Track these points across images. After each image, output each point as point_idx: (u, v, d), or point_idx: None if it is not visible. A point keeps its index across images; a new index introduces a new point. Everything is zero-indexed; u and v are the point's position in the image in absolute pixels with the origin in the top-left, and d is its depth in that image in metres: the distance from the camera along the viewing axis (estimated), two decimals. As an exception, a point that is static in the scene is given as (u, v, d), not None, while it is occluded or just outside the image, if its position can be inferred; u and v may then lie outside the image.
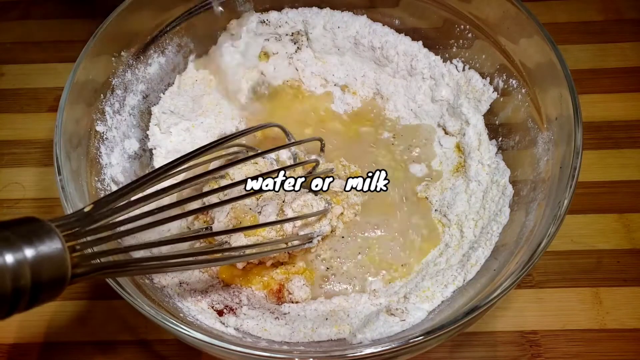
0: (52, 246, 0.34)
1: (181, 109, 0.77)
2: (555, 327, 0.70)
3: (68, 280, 0.36)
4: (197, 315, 0.60)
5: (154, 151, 0.76)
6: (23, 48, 0.98)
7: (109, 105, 0.70)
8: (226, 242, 0.63)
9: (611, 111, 0.86)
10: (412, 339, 0.50)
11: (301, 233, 0.66)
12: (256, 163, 0.71)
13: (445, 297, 0.62)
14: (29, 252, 0.33)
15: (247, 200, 0.67)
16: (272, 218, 0.66)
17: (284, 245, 0.65)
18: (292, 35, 0.83)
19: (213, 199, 0.66)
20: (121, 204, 0.43)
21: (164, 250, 0.63)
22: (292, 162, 0.72)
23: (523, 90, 0.68)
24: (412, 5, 0.78)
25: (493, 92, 0.73)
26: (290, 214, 0.66)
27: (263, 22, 0.81)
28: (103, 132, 0.68)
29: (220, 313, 0.63)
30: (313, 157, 0.73)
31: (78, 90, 0.63)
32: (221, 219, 0.66)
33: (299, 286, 0.67)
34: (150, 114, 0.77)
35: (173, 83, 0.79)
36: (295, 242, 0.66)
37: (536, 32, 0.64)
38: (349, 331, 0.61)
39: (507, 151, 0.72)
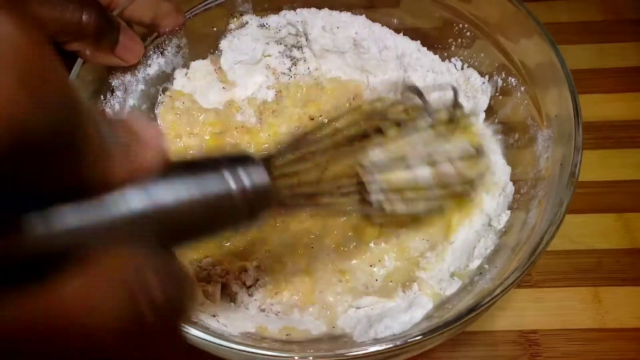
0: (265, 178, 0.37)
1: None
2: (554, 327, 0.70)
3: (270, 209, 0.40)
4: (199, 314, 0.60)
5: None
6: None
7: (109, 107, 0.70)
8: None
9: (611, 111, 0.86)
10: (412, 338, 0.50)
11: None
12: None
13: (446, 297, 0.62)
14: (247, 181, 0.36)
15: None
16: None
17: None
18: (291, 37, 0.83)
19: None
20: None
21: None
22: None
23: (522, 89, 0.68)
24: (412, 5, 0.78)
25: (492, 90, 0.73)
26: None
27: (262, 25, 0.81)
28: (103, 133, 0.68)
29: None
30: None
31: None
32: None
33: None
34: (150, 114, 0.77)
35: (173, 84, 0.79)
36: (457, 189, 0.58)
37: (536, 32, 0.64)
38: (350, 330, 0.61)
39: (506, 149, 0.72)
